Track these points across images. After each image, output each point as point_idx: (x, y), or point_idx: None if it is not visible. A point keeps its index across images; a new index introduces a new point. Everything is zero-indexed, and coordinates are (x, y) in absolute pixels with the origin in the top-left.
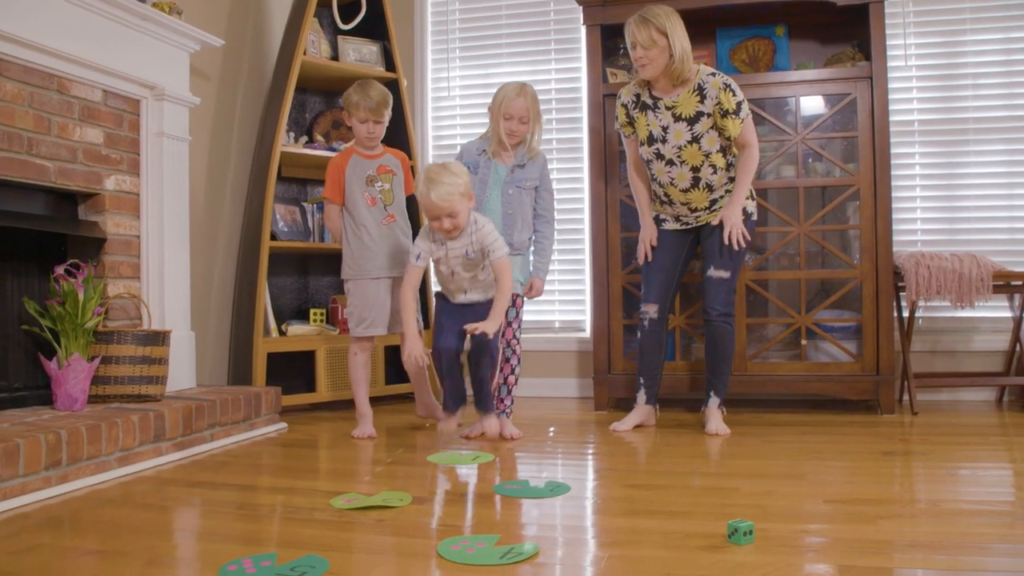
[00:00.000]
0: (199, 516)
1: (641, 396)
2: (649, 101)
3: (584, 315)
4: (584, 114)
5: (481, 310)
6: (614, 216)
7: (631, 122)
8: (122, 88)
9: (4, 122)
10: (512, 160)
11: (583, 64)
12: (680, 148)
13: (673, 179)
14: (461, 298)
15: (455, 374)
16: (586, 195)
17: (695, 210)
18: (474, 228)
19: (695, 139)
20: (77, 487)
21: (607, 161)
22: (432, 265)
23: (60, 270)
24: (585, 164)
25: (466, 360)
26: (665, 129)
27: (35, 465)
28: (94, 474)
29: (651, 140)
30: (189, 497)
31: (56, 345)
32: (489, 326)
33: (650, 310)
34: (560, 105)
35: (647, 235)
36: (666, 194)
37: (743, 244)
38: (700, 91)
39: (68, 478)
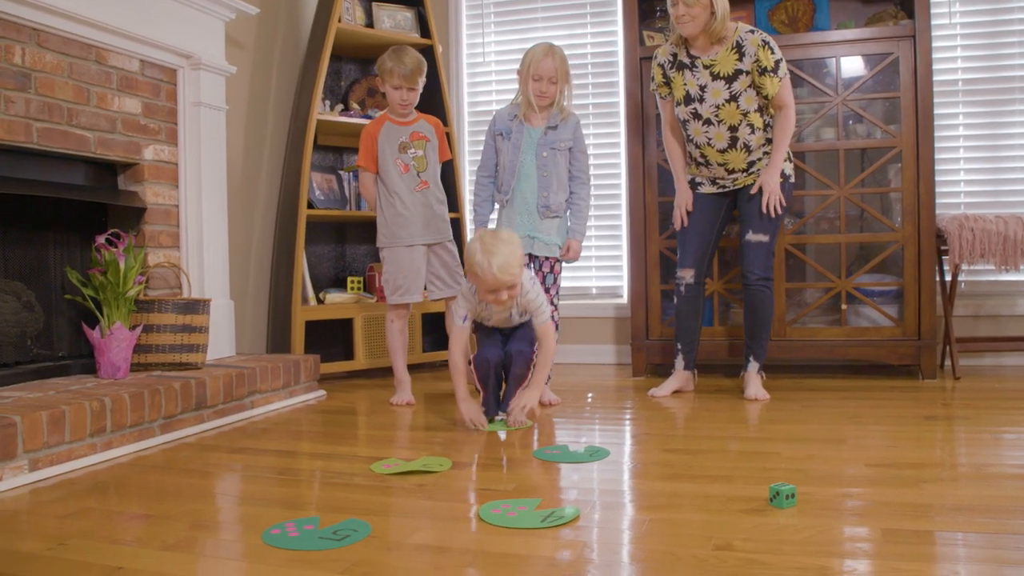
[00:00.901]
0: (241, 481)
1: (679, 362)
2: (687, 60)
3: (621, 281)
4: (620, 78)
5: (519, 329)
6: (651, 181)
7: (668, 82)
8: (159, 58)
9: (44, 93)
10: (544, 122)
11: (619, 27)
12: (718, 107)
13: (710, 139)
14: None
15: (495, 385)
16: (622, 160)
17: (732, 171)
18: (522, 292)
19: (733, 97)
20: (121, 453)
21: (644, 125)
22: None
23: (101, 239)
24: (621, 128)
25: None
26: (703, 88)
27: (80, 432)
28: (137, 441)
29: (688, 99)
30: (231, 463)
31: (99, 314)
32: (530, 397)
33: (686, 275)
34: (596, 69)
35: (682, 200)
36: (703, 155)
37: (779, 211)
38: (738, 48)
39: (112, 445)
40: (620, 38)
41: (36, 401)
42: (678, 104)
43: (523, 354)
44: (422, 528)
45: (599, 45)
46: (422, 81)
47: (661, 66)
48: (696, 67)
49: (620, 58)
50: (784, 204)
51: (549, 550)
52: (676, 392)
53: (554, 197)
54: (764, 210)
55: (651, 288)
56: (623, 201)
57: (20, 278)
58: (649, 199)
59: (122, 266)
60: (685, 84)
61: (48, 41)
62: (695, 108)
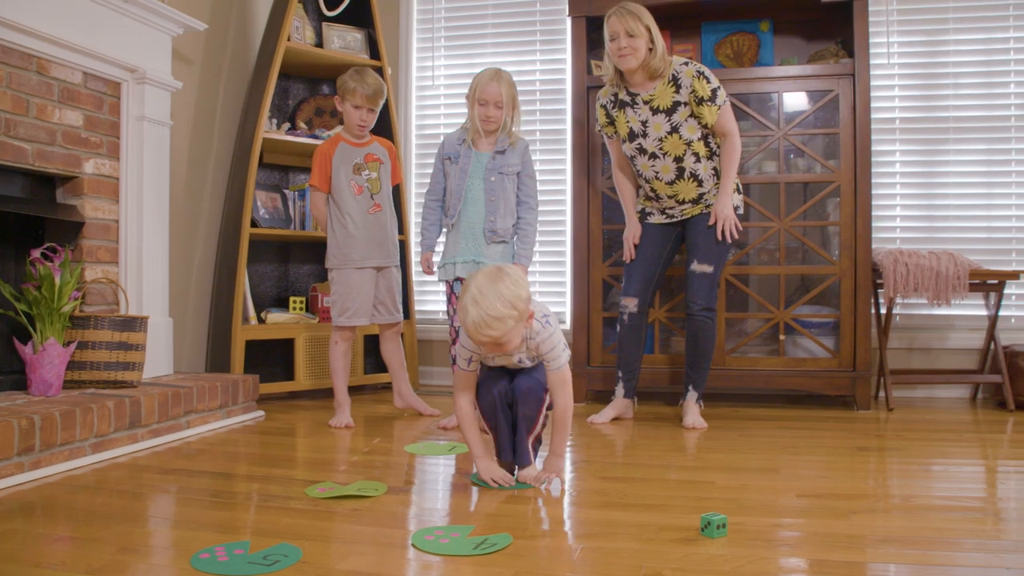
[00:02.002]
0: (174, 503)
1: (619, 389)
2: (627, 98)
3: (564, 307)
4: (568, 105)
5: (527, 369)
6: (596, 208)
7: (612, 122)
8: (103, 70)
9: None
10: (492, 147)
11: (568, 55)
12: (661, 140)
13: (658, 172)
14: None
15: (505, 423)
16: (568, 186)
17: (682, 202)
18: (529, 335)
19: (674, 129)
20: (50, 473)
21: (589, 153)
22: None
23: (36, 253)
24: (568, 155)
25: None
26: (644, 123)
27: (7, 451)
28: (68, 460)
29: (632, 136)
30: (164, 484)
31: (31, 329)
32: (556, 465)
33: (630, 304)
34: (544, 96)
35: (631, 233)
36: (652, 189)
37: (735, 236)
38: (675, 81)
39: (41, 464)
40: (568, 65)
41: None
42: (624, 141)
43: (533, 392)
44: (354, 554)
45: (548, 72)
46: (381, 103)
47: (604, 107)
48: (636, 103)
49: (568, 85)
50: (740, 229)
51: None
52: (616, 419)
53: (501, 222)
54: (719, 236)
55: (593, 315)
56: (568, 227)
57: None
58: (594, 226)
59: (57, 281)
60: (628, 121)
61: None
62: (640, 143)
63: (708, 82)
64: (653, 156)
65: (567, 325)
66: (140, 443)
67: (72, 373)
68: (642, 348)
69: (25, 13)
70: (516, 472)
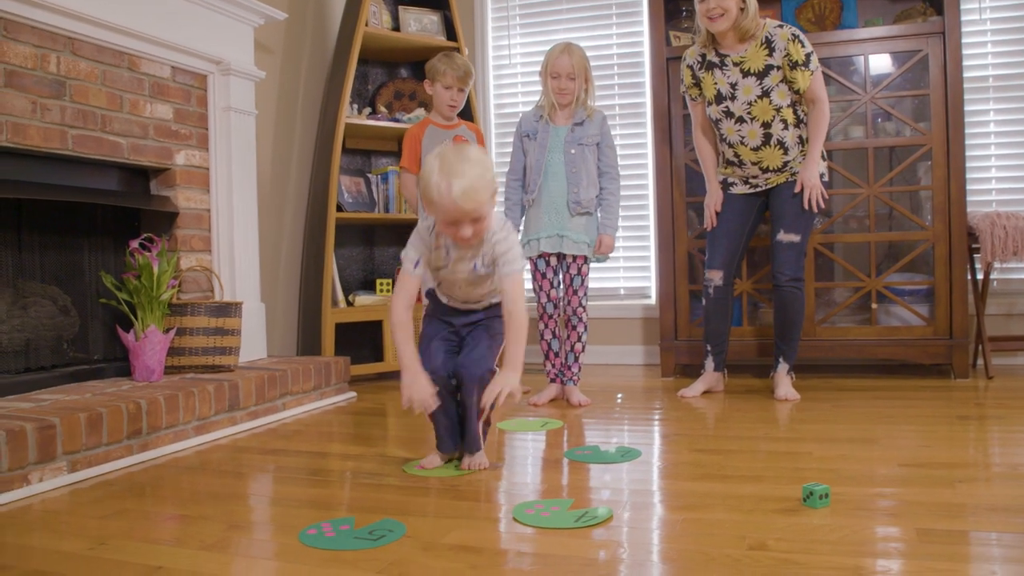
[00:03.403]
0: (275, 482)
1: (709, 363)
2: (715, 59)
3: (649, 282)
4: (647, 78)
5: (477, 327)
6: (678, 181)
7: (697, 83)
8: (189, 64)
9: (79, 100)
10: (569, 120)
11: (645, 27)
12: (750, 104)
13: (743, 137)
14: (459, 304)
15: (447, 406)
16: (650, 160)
17: (766, 170)
18: (488, 236)
19: (765, 93)
20: (157, 455)
21: (670, 125)
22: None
23: (135, 244)
24: (648, 129)
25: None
26: (734, 86)
27: (117, 434)
28: (173, 442)
29: (719, 98)
30: (264, 464)
31: (133, 317)
32: (508, 379)
33: (715, 277)
34: (622, 70)
35: (712, 200)
36: (736, 154)
37: (822, 205)
38: (768, 44)
39: (148, 446)
40: (646, 38)
41: (74, 404)
42: (709, 104)
43: (480, 379)
44: (458, 528)
45: (625, 46)
46: (470, 84)
47: (690, 67)
48: (726, 65)
49: (646, 58)
50: (826, 198)
51: (583, 550)
52: (706, 392)
53: (584, 193)
54: (805, 205)
55: (679, 289)
56: (651, 202)
57: (56, 283)
58: (677, 199)
59: (155, 270)
60: (715, 83)
61: (82, 49)
62: (727, 106)
63: (803, 46)
64: (740, 120)
65: (653, 300)
66: (239, 425)
67: (172, 359)
68: (729, 321)
69: (116, 12)
70: (465, 459)
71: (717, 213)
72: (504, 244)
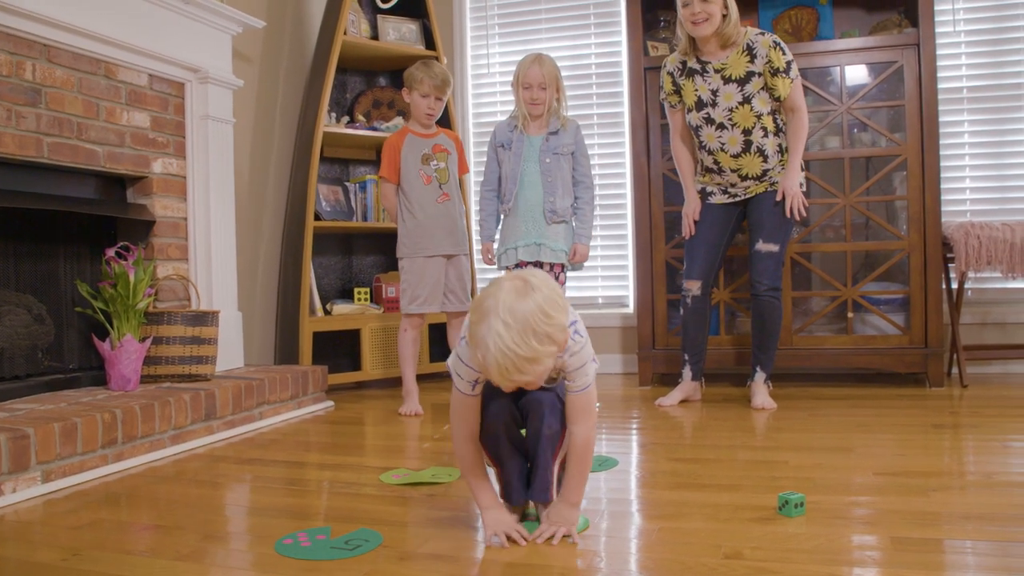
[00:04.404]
0: (251, 492)
1: (686, 372)
2: (696, 66)
3: (627, 291)
4: (625, 88)
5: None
6: (656, 190)
7: (677, 91)
8: (167, 72)
9: (55, 108)
10: (543, 130)
11: (623, 37)
12: (731, 110)
13: (724, 144)
14: None
15: (513, 451)
16: (627, 169)
17: (745, 177)
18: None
19: (746, 100)
20: (132, 464)
21: (648, 134)
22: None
23: (111, 252)
24: (626, 138)
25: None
26: (715, 92)
27: (92, 443)
28: (148, 452)
29: (700, 105)
30: (240, 474)
31: (109, 326)
32: (567, 517)
33: (693, 287)
34: (600, 80)
35: (690, 209)
36: (716, 161)
37: (803, 213)
38: (750, 50)
39: (124, 456)
40: (624, 48)
41: (48, 413)
42: (689, 111)
43: (547, 400)
44: (434, 538)
45: (603, 55)
46: (448, 92)
47: (671, 74)
48: (707, 72)
49: (624, 68)
50: (807, 207)
51: (560, 559)
52: (683, 401)
53: (560, 202)
54: (788, 213)
55: (657, 298)
56: (629, 211)
57: (31, 291)
58: (655, 208)
59: (132, 279)
60: (696, 90)
61: (58, 56)
62: (708, 113)
63: (784, 53)
64: (721, 127)
65: (631, 309)
66: (216, 434)
67: (148, 368)
68: (707, 330)
69: (93, 20)
70: (538, 511)
71: (695, 222)
72: (577, 359)
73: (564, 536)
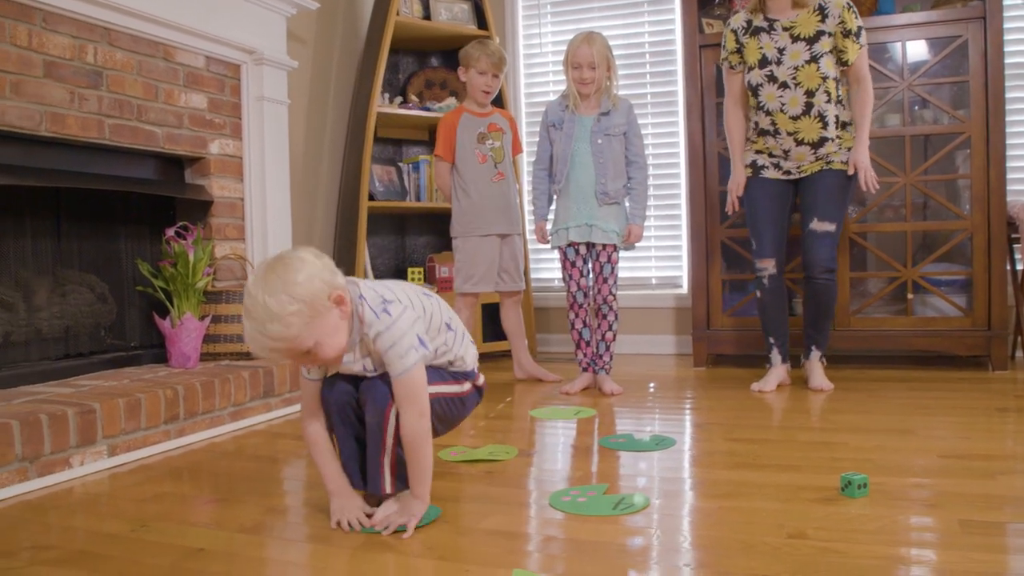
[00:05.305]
0: (309, 467)
1: (775, 356)
2: (763, 24)
3: (681, 271)
4: (679, 66)
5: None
6: (712, 169)
7: (739, 51)
8: (223, 54)
9: (115, 90)
10: (595, 110)
11: (677, 15)
12: (796, 68)
13: (784, 104)
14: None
15: (350, 433)
16: (681, 148)
17: (800, 143)
18: (359, 332)
19: (813, 59)
20: (194, 440)
21: (704, 113)
22: None
23: (171, 232)
24: (680, 117)
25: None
26: (781, 51)
27: (155, 419)
28: (209, 428)
29: (764, 63)
30: (299, 449)
31: (169, 305)
32: (413, 509)
33: (767, 265)
34: (654, 58)
35: (735, 184)
36: (773, 123)
37: (876, 186)
38: (821, 11)
39: (185, 431)
40: (678, 26)
41: (112, 389)
42: (751, 69)
43: (376, 391)
44: (493, 513)
45: (657, 34)
46: (504, 71)
47: (735, 31)
48: (775, 30)
49: (678, 46)
50: (877, 185)
51: (619, 536)
52: (779, 386)
53: (612, 183)
54: (862, 187)
55: (712, 278)
56: (682, 191)
57: (93, 271)
58: (710, 187)
59: (191, 258)
60: (761, 48)
61: (119, 40)
62: (771, 71)
63: (856, 17)
64: (784, 86)
65: (684, 289)
66: (274, 411)
67: (208, 346)
68: (787, 309)
69: (152, 3)
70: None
71: (753, 200)
72: (385, 338)
73: (397, 528)
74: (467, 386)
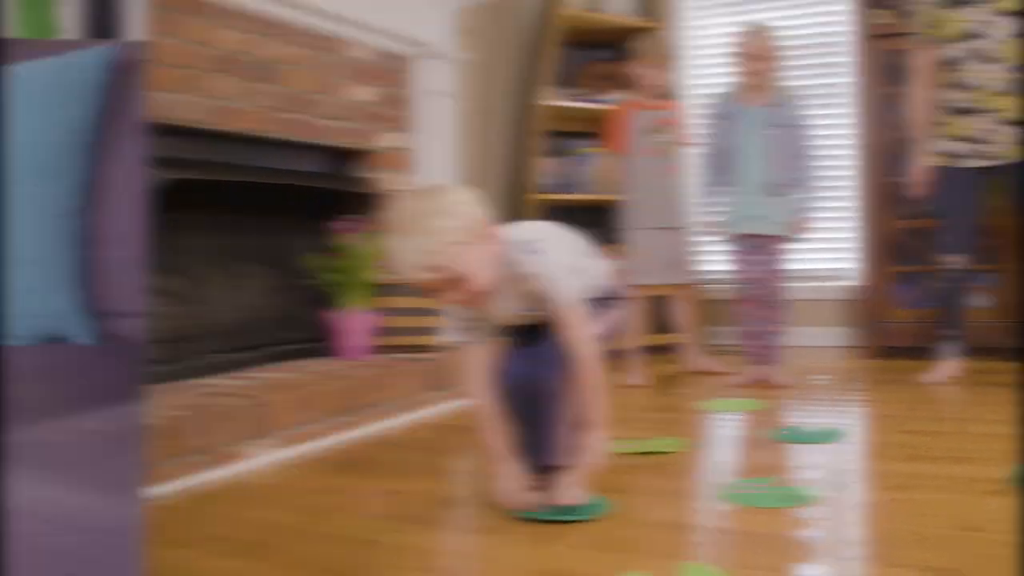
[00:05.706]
0: (480, 459)
1: (950, 349)
2: None
3: (850, 262)
4: (847, 58)
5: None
6: (883, 160)
7: (933, 24)
8: (392, 47)
9: (288, 84)
10: (764, 102)
11: (846, 6)
12: (1001, 42)
13: (987, 80)
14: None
15: (524, 420)
16: (849, 141)
17: (1002, 123)
18: (507, 265)
19: (1021, 33)
20: (366, 432)
21: (874, 104)
22: None
23: (339, 225)
24: (849, 109)
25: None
26: (984, 24)
27: (327, 411)
28: (379, 420)
29: (966, 37)
30: (469, 442)
31: (338, 298)
32: (591, 449)
33: (956, 262)
34: (821, 50)
35: (918, 172)
36: (973, 100)
37: None
38: None
39: (357, 423)
40: (847, 17)
41: (284, 382)
42: (951, 42)
43: (549, 368)
44: (663, 505)
45: (824, 24)
46: (674, 65)
47: (935, 3)
48: (977, 3)
49: (849, 38)
50: None
51: (790, 528)
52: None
53: (781, 175)
54: None
55: (884, 270)
56: (852, 182)
57: (264, 263)
58: (882, 179)
59: (359, 251)
60: (962, 21)
61: (292, 35)
62: (973, 45)
63: None
64: (987, 59)
65: (854, 281)
66: (445, 404)
67: (377, 339)
68: (968, 305)
69: None
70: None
71: (943, 191)
72: (542, 276)
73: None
74: (613, 307)
